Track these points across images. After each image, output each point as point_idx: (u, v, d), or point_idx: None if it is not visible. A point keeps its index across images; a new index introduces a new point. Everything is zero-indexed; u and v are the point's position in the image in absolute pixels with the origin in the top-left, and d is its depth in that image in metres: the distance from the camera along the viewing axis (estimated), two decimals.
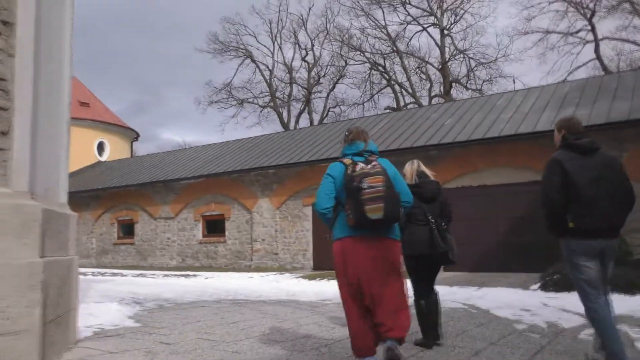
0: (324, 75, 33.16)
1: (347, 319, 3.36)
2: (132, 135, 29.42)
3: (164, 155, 23.61)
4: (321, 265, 14.72)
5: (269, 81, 33.92)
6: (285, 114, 33.98)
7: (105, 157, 26.48)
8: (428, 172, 4.52)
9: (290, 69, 33.91)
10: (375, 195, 3.10)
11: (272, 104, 33.85)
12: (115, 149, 27.09)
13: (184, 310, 6.57)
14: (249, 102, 34.26)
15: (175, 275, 14.47)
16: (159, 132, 69.78)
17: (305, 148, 17.11)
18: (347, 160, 3.36)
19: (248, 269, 16.09)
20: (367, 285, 3.22)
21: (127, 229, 20.23)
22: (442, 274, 11.73)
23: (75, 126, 25.39)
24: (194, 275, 14.07)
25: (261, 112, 34.72)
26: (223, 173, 17.30)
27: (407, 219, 4.12)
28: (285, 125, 32.44)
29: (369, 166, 3.23)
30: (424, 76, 31.91)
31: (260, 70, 34.07)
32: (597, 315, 3.31)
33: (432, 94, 31.17)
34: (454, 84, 30.40)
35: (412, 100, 30.82)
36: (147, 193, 19.35)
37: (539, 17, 27.21)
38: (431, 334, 4.25)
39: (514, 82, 28.36)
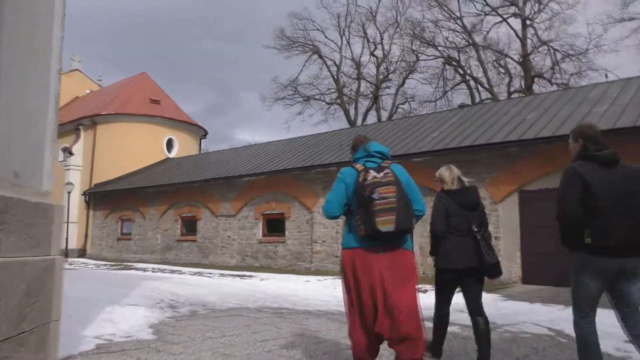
0: (393, 71, 31.75)
1: (349, 327, 3.26)
2: (201, 133, 29.71)
3: (228, 152, 23.49)
4: None
5: (336, 77, 33.03)
6: (352, 111, 33.00)
7: (174, 154, 26.85)
8: (464, 178, 4.13)
9: (358, 65, 32.84)
10: (387, 206, 3.01)
11: (339, 100, 32.92)
12: (183, 146, 27.43)
13: (216, 319, 5.81)
14: (316, 99, 33.59)
15: (232, 275, 13.96)
16: (233, 133, 71.88)
17: None
18: (359, 166, 3.26)
19: (308, 271, 15.29)
20: (380, 297, 3.08)
21: (190, 226, 20.16)
22: (521, 288, 10.30)
23: (146, 123, 26.13)
24: (250, 277, 13.47)
25: (328, 109, 33.95)
26: (283, 170, 16.64)
27: (446, 229, 3.86)
28: (352, 123, 31.42)
29: (381, 174, 3.13)
30: (502, 70, 29.72)
31: (327, 65, 33.22)
32: (582, 332, 3.26)
33: (512, 89, 28.91)
34: (536, 79, 28.00)
35: (489, 96, 28.74)
36: (208, 190, 19.15)
37: (638, 2, 24.17)
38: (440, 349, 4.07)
39: (607, 75, 25.50)
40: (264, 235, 17.61)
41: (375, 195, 3.02)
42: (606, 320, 6.65)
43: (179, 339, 4.49)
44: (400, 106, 32.06)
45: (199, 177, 19.73)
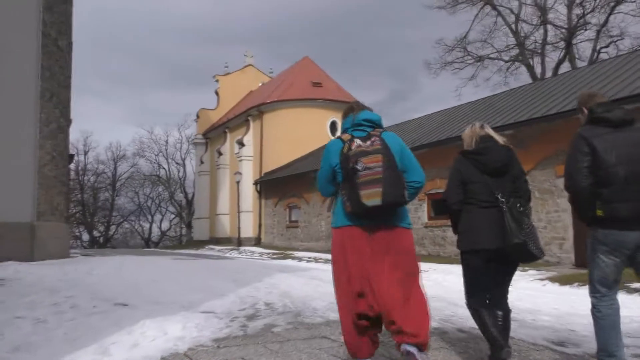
0: (591, 10, 25.28)
1: (340, 319, 2.96)
2: None
3: (391, 128, 21.39)
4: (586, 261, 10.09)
5: (514, 29, 27.75)
6: (538, 68, 27.43)
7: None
8: (497, 136, 3.25)
9: (542, 8, 26.92)
10: (372, 178, 2.68)
11: (520, 57, 27.70)
12: None
13: (280, 345, 3.86)
14: (490, 59, 28.59)
15: None
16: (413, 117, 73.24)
17: (557, 98, 12.47)
18: (346, 136, 2.91)
19: None
20: (374, 284, 2.75)
21: None
22: None
23: (308, 107, 25.54)
24: None
25: (507, 69, 28.74)
26: (445, 140, 13.98)
27: (464, 199, 3.11)
28: (537, 79, 26.15)
29: (368, 143, 2.80)
30: None
31: (502, 16, 27.56)
32: (600, 315, 2.91)
33: None
34: None
35: None
36: None
37: None
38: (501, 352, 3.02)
39: None
40: (429, 218, 15.16)
41: (359, 166, 2.69)
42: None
43: None
44: (604, 50, 25.44)
45: None
